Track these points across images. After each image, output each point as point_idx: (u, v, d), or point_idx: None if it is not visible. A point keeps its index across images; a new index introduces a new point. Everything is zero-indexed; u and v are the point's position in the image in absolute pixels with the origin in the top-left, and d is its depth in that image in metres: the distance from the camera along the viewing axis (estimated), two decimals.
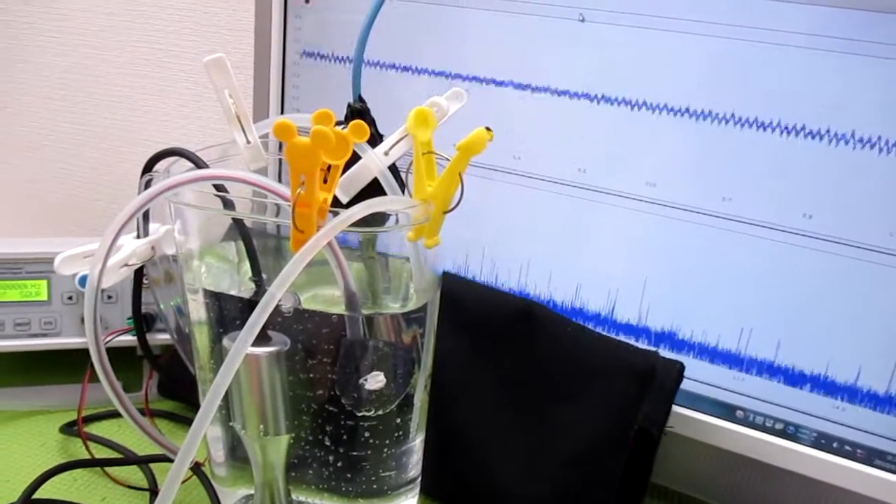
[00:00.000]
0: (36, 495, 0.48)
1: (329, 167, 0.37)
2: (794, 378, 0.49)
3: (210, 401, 0.35)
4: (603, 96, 0.51)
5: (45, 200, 0.95)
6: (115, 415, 0.60)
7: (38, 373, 0.64)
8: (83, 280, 0.56)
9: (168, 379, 0.62)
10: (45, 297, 0.59)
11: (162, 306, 0.51)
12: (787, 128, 0.46)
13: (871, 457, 0.48)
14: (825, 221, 0.47)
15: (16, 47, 0.89)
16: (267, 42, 0.61)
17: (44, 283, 0.59)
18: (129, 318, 0.60)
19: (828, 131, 0.45)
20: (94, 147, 0.91)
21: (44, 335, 0.60)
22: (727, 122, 0.48)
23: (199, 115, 0.86)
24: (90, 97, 0.89)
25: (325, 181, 0.37)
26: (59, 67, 0.89)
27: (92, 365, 0.51)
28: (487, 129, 0.38)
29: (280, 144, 0.52)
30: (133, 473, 0.54)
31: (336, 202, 0.39)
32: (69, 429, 0.57)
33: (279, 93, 0.62)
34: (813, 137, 0.46)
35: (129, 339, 0.59)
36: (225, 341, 0.43)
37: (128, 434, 0.58)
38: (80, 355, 0.59)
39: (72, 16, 0.87)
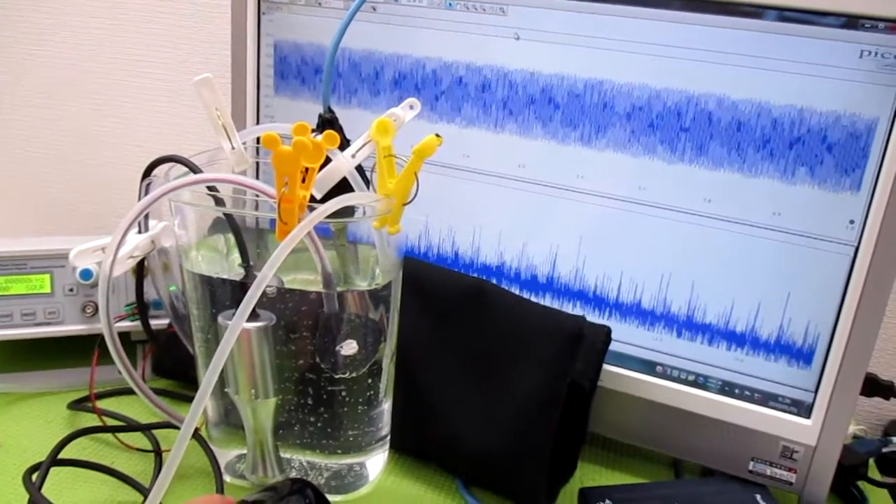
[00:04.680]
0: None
1: (307, 169, 0.44)
2: (701, 334, 0.58)
3: (213, 369, 0.41)
4: (536, 102, 0.59)
5: (32, 203, 1.00)
6: (114, 393, 0.66)
7: (43, 358, 0.70)
8: (84, 273, 0.63)
9: (163, 357, 0.69)
10: (48, 290, 0.65)
11: (161, 293, 0.58)
12: (691, 133, 0.55)
13: (766, 399, 0.58)
14: (720, 204, 0.56)
15: None
16: (243, 57, 0.68)
17: (47, 276, 0.65)
18: (126, 306, 0.66)
19: (721, 142, 0.55)
20: (78, 152, 0.96)
21: (48, 324, 0.66)
22: (645, 126, 0.56)
23: (177, 122, 0.92)
24: (73, 106, 0.94)
25: (303, 181, 0.44)
26: (42, 79, 0.94)
27: (100, 346, 0.58)
28: (437, 135, 0.46)
29: (257, 150, 0.60)
30: (137, 441, 0.60)
31: (311, 198, 0.46)
32: (76, 405, 0.64)
33: (255, 102, 0.69)
34: (709, 144, 0.55)
35: (124, 325, 0.66)
36: (220, 319, 0.50)
37: (127, 408, 0.64)
38: (81, 341, 0.66)
39: (52, 31, 0.92)
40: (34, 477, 0.51)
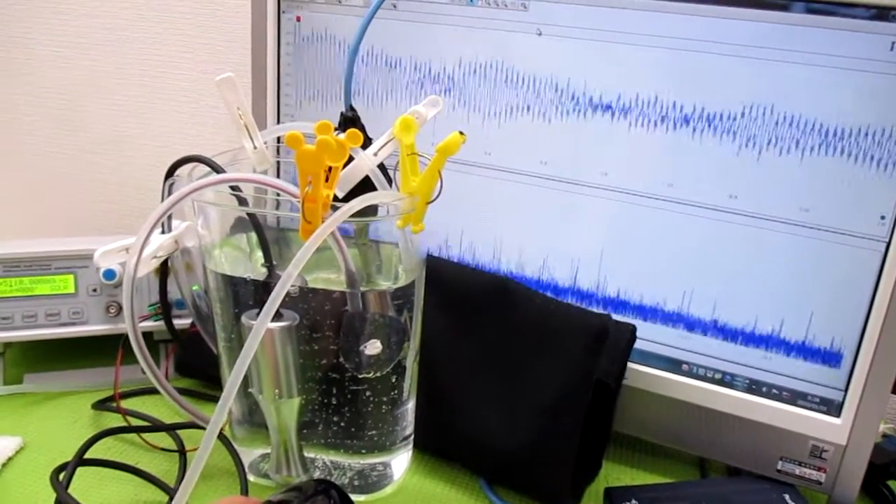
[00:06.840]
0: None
1: (330, 168, 0.44)
2: (728, 333, 0.57)
3: (238, 370, 0.40)
4: (560, 99, 0.59)
5: (55, 204, 1.00)
6: (138, 393, 0.67)
7: (67, 358, 0.71)
8: (107, 274, 0.63)
9: (186, 357, 0.69)
10: (72, 290, 0.66)
11: (184, 292, 0.58)
12: (716, 128, 0.55)
13: (794, 398, 0.57)
14: (746, 200, 0.55)
15: (17, 64, 0.95)
16: (263, 56, 0.68)
17: (71, 277, 0.66)
18: (149, 306, 0.67)
19: (747, 138, 0.54)
20: (97, 154, 0.97)
21: (72, 324, 0.66)
22: (670, 122, 0.56)
23: (196, 122, 0.92)
24: (93, 108, 0.95)
25: (326, 180, 0.44)
26: (63, 81, 0.94)
27: (124, 346, 0.58)
28: (461, 132, 0.45)
29: (278, 149, 0.60)
30: (160, 440, 0.61)
31: (334, 197, 0.46)
32: (101, 405, 0.64)
33: (275, 101, 0.69)
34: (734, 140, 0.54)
35: (148, 325, 0.66)
36: (244, 319, 0.50)
37: (151, 408, 0.64)
38: (105, 341, 0.67)
39: (73, 32, 0.92)
40: (61, 476, 0.51)
